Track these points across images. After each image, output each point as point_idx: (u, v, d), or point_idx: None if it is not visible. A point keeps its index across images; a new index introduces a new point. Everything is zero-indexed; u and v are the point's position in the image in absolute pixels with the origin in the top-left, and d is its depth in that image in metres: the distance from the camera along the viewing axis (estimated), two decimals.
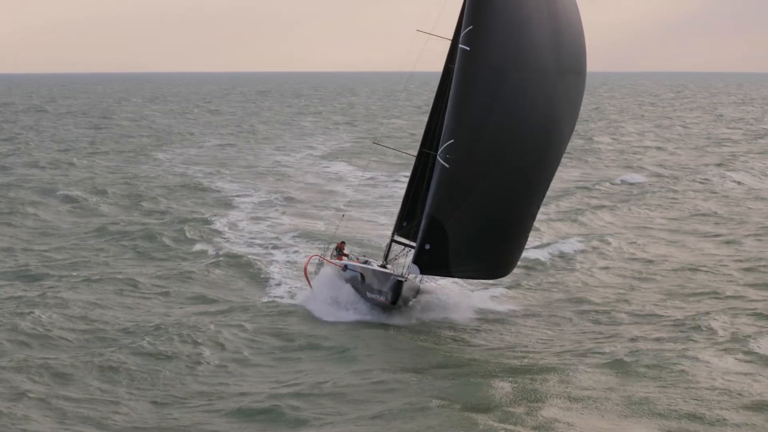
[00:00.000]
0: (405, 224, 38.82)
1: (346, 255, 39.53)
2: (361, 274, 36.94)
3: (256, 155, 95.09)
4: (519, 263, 45.11)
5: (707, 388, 28.58)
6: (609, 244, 49.62)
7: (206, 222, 54.50)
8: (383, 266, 37.62)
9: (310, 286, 38.88)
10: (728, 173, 77.22)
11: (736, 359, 31.35)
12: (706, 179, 73.74)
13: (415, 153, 38.96)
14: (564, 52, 35.06)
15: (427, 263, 35.72)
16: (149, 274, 41.86)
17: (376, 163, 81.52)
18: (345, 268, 37.87)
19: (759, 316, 36.25)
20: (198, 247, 48.44)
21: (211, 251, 47.17)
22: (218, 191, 68.27)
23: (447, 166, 34.93)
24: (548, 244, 49.44)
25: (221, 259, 45.15)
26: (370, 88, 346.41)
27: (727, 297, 39.59)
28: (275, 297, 39.31)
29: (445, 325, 36.13)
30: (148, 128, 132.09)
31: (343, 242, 40.51)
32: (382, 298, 36.22)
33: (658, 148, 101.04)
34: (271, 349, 32.97)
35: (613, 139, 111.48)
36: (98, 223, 55.20)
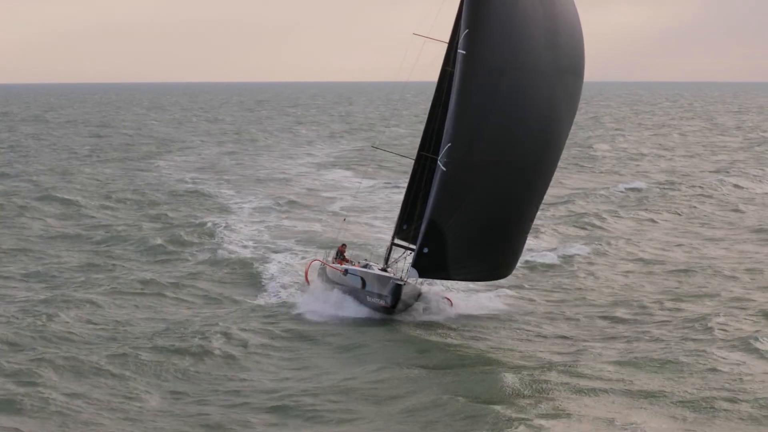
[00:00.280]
0: (405, 227, 38.88)
1: (349, 260, 39.59)
2: (362, 278, 37.02)
3: (257, 162, 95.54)
4: (522, 265, 45.96)
5: (714, 386, 29.14)
6: (612, 246, 50.13)
7: (208, 227, 55.01)
8: (384, 269, 37.76)
9: (311, 289, 38.99)
10: (728, 179, 77.89)
11: (743, 356, 31.87)
12: (706, 185, 74.20)
13: (414, 157, 38.95)
14: (561, 53, 35.22)
15: (426, 266, 35.82)
16: (154, 278, 42.16)
17: (376, 169, 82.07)
18: (345, 272, 37.90)
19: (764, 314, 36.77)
20: (199, 251, 48.84)
21: (212, 255, 47.53)
22: (219, 197, 68.75)
23: (445, 169, 35.11)
24: (552, 248, 49.95)
25: (223, 263, 45.58)
26: (366, 97, 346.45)
27: (732, 297, 40.15)
28: (277, 299, 39.50)
29: (450, 324, 36.39)
30: (149, 136, 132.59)
31: (344, 245, 40.58)
32: (381, 302, 36.31)
33: (657, 156, 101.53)
34: (277, 349, 33.15)
35: (612, 146, 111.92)
36: (102, 228, 55.70)
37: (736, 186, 74.84)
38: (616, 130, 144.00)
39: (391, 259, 38.83)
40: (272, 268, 44.82)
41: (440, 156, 35.39)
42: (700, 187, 73.14)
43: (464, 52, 34.84)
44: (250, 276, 43.60)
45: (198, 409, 27.45)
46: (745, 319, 36.34)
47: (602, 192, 70.22)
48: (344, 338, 34.72)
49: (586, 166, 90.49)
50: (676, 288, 42.09)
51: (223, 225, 56.06)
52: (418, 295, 37.42)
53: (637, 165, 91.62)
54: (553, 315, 37.98)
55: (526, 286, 42.49)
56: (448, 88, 36.52)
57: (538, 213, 56.92)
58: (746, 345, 32.72)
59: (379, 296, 36.38)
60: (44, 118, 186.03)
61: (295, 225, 57.78)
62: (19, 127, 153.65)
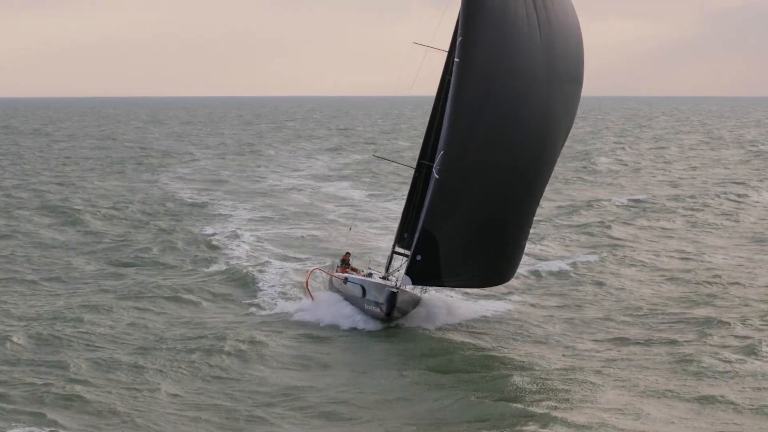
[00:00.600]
0: (406, 236, 39.01)
1: (354, 269, 39.81)
2: (362, 287, 37.15)
3: (259, 174, 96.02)
4: (527, 273, 46.52)
5: (720, 388, 29.78)
6: (616, 255, 50.64)
7: (210, 237, 55.61)
8: (385, 278, 37.81)
9: (311, 298, 39.22)
10: (730, 189, 78.54)
11: (749, 359, 32.56)
12: (708, 195, 74.75)
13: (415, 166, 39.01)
14: (558, 59, 35.18)
15: (419, 274, 35.84)
16: (157, 287, 42.58)
17: (378, 179, 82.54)
18: (346, 280, 38.13)
19: None
20: (202, 260, 49.31)
21: (215, 265, 47.99)
22: (221, 208, 69.33)
23: (438, 177, 35.15)
24: (556, 257, 50.54)
25: (225, 272, 45.95)
26: (364, 111, 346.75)
27: (738, 303, 40.82)
28: (279, 308, 39.67)
29: (455, 329, 36.79)
30: (152, 149, 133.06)
31: (348, 253, 40.78)
32: (377, 310, 36.44)
33: (658, 168, 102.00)
34: (281, 357, 33.32)
35: (613, 159, 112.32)
36: (108, 238, 56.20)
37: (739, 195, 75.46)
38: (616, 143, 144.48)
39: (392, 268, 38.87)
40: (274, 277, 45.17)
41: (435, 164, 35.51)
42: (702, 197, 73.66)
43: (458, 60, 35.01)
44: (252, 285, 43.91)
45: (214, 407, 28.06)
46: (750, 323, 37.03)
47: (605, 203, 70.59)
48: (349, 343, 35.17)
49: (588, 178, 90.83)
50: (681, 293, 42.73)
51: (226, 235, 56.65)
52: (417, 302, 37.49)
53: (639, 177, 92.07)
54: (557, 320, 38.49)
55: (531, 293, 43.03)
56: (446, 96, 36.39)
57: (544, 223, 57.64)
58: (753, 349, 33.43)
59: (376, 304, 36.51)
60: (45, 132, 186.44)
61: (297, 234, 58.29)
62: (21, 141, 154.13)
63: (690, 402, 28.37)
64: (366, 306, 37.05)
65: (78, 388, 28.85)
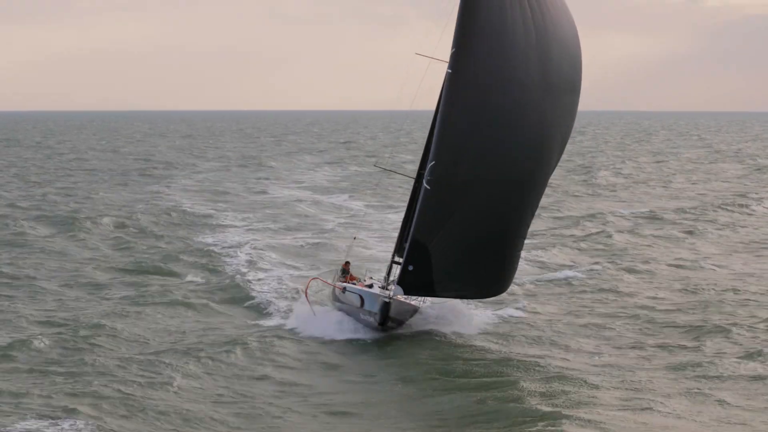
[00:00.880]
0: (405, 245, 37.95)
1: (354, 278, 39.80)
2: (360, 296, 37.00)
3: (262, 186, 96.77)
4: (532, 282, 47.13)
5: (728, 391, 30.42)
6: (620, 265, 51.15)
7: (213, 247, 56.31)
8: (384, 287, 37.53)
9: (310, 307, 39.05)
10: (734, 200, 79.36)
11: (756, 365, 33.18)
12: (712, 207, 75.42)
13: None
14: (553, 70, 34.80)
15: (411, 284, 35.70)
16: (162, 295, 43.21)
17: (380, 190, 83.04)
18: (344, 290, 38.10)
19: None
20: (203, 270, 49.78)
21: (216, 274, 48.40)
22: (225, 219, 69.97)
23: (429, 187, 34.93)
24: (560, 267, 51.17)
25: (226, 281, 46.33)
26: (364, 125, 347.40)
27: (744, 311, 41.42)
28: (278, 320, 39.72)
29: (459, 335, 37.05)
30: (156, 161, 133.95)
31: (347, 262, 40.59)
32: (371, 319, 36.36)
33: (660, 180, 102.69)
34: (284, 361, 33.55)
35: (614, 172, 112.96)
36: (114, 248, 56.84)
37: (740, 206, 76.26)
38: (616, 156, 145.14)
39: (392, 277, 38.56)
40: (275, 286, 45.60)
41: (425, 174, 35.36)
42: (703, 209, 74.29)
43: (450, 71, 34.73)
44: (252, 293, 44.25)
45: (226, 404, 28.70)
46: (756, 329, 37.81)
47: (607, 215, 71.09)
48: (353, 348, 35.52)
49: (589, 191, 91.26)
50: (683, 301, 43.29)
51: (228, 244, 57.41)
52: (414, 311, 37.33)
53: (640, 190, 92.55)
54: (562, 326, 38.99)
55: (534, 300, 43.50)
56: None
57: (547, 234, 58.09)
58: (755, 355, 34.04)
59: (370, 314, 36.43)
60: (47, 144, 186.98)
61: (299, 244, 58.89)
62: (24, 153, 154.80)
63: (694, 404, 28.87)
64: (362, 315, 37.01)
65: (96, 383, 29.87)
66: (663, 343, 36.25)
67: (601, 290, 45.58)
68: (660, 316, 40.52)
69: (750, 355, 33.92)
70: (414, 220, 35.64)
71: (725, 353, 34.49)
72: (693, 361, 33.60)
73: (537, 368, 32.59)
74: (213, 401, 29.30)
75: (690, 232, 63.38)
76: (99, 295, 44.17)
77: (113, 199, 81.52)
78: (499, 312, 41.00)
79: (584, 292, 45.49)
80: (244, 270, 49.47)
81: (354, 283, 39.17)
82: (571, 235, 61.70)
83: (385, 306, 35.65)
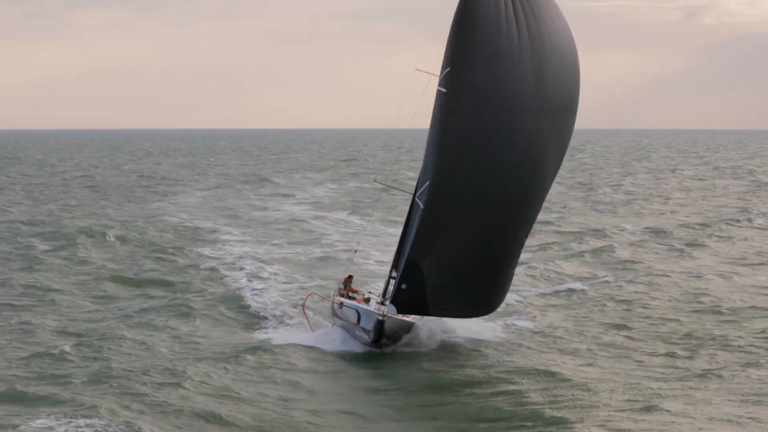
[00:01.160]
0: (401, 262, 37.47)
1: (355, 291, 39.95)
2: (357, 312, 36.97)
3: (264, 202, 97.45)
4: (537, 294, 47.57)
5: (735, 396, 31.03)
6: (625, 278, 51.81)
7: (216, 261, 56.97)
8: (382, 303, 37.24)
9: (308, 322, 39.50)
10: (738, 216, 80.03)
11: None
12: (715, 222, 75.97)
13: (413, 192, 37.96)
14: (549, 89, 34.21)
15: (405, 303, 35.57)
16: (168, 308, 43.87)
17: (381, 204, 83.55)
18: (341, 305, 38.19)
19: None
20: (206, 284, 50.29)
21: (219, 288, 48.89)
22: (228, 234, 70.61)
23: (423, 207, 34.78)
24: (564, 281, 51.71)
25: (228, 295, 46.75)
26: (362, 142, 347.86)
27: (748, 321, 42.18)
28: (277, 332, 39.99)
29: (458, 350, 37.50)
30: (159, 178, 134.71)
31: (350, 276, 40.74)
32: (366, 336, 36.40)
33: (660, 197, 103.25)
34: (284, 383, 33.38)
35: (615, 189, 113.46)
36: (122, 264, 57.28)
37: (748, 221, 77.10)
38: (616, 173, 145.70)
39: (389, 292, 37.98)
40: (277, 299, 46.07)
41: (418, 193, 35.25)
42: (707, 224, 74.83)
43: (444, 90, 34.24)
44: (253, 307, 44.70)
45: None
46: (758, 340, 38.37)
47: (611, 229, 71.58)
48: (351, 360, 35.93)
49: (592, 207, 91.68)
50: (690, 311, 43.99)
51: (231, 259, 58.25)
52: (410, 328, 37.06)
53: (642, 206, 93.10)
54: (564, 337, 39.52)
55: (538, 312, 44.01)
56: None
57: (553, 248, 58.56)
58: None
59: (365, 331, 36.44)
60: (50, 162, 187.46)
61: (301, 258, 59.51)
62: (27, 171, 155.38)
63: (701, 412, 29.27)
64: (357, 332, 37.10)
65: (116, 383, 31.33)
66: (669, 352, 36.86)
67: (605, 301, 46.14)
68: (664, 326, 41.16)
69: (753, 365, 34.44)
70: (410, 239, 35.51)
71: (730, 363, 35.04)
72: (699, 370, 34.19)
73: (540, 377, 33.13)
74: (219, 403, 30.12)
75: (692, 246, 63.84)
76: (110, 306, 45.07)
77: (119, 215, 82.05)
78: (505, 322, 41.59)
79: (587, 303, 46.10)
80: (247, 283, 50.15)
81: (353, 296, 39.28)
82: (575, 249, 62.21)
83: (380, 324, 35.58)
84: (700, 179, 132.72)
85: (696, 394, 30.92)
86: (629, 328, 40.88)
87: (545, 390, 31.51)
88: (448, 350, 37.27)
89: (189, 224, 76.20)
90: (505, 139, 34.12)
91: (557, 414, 28.90)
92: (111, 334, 38.24)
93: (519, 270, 52.65)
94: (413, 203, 36.70)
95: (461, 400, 31.09)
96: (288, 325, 40.93)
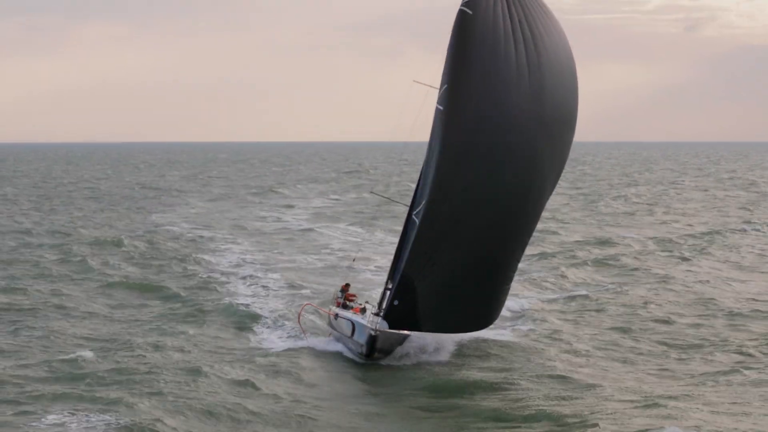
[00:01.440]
0: (396, 276, 37.16)
1: (352, 297, 39.98)
2: (352, 324, 37.03)
3: (267, 213, 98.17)
4: (542, 301, 47.99)
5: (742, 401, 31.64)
6: (631, 286, 52.38)
7: (219, 271, 57.48)
8: (377, 314, 36.89)
9: (303, 332, 39.68)
10: (743, 226, 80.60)
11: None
12: (720, 231, 76.44)
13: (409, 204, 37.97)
14: (548, 106, 33.94)
15: (397, 319, 35.34)
16: (166, 321, 44.04)
17: (380, 214, 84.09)
18: (336, 316, 38.33)
19: None
20: (208, 293, 50.73)
21: (220, 298, 49.15)
22: (230, 244, 71.15)
23: (419, 224, 34.53)
24: (564, 289, 52.16)
25: (230, 308, 46.72)
26: (363, 155, 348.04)
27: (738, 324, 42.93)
28: (273, 344, 39.84)
29: (462, 355, 37.74)
30: (166, 189, 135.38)
31: (347, 284, 40.79)
32: (360, 350, 36.38)
33: (664, 206, 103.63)
34: (279, 394, 33.20)
35: (617, 200, 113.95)
36: (128, 272, 57.85)
37: (752, 230, 77.70)
38: (619, 184, 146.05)
39: (385, 304, 37.48)
40: (278, 308, 46.38)
41: (415, 210, 35.13)
42: (712, 233, 75.32)
43: (442, 108, 33.99)
44: (257, 314, 44.98)
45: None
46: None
47: (615, 238, 71.96)
48: (348, 383, 35.52)
49: (595, 219, 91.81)
50: (689, 315, 44.72)
51: (233, 268, 59.04)
52: (403, 340, 36.83)
53: (646, 216, 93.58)
54: (572, 341, 39.99)
55: (545, 319, 44.36)
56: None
57: (559, 257, 58.84)
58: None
59: (358, 344, 36.47)
60: (53, 175, 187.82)
61: (303, 268, 60.03)
62: (33, 182, 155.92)
63: (711, 415, 29.68)
64: (350, 345, 37.20)
65: (134, 385, 32.11)
66: (674, 357, 37.49)
67: (609, 307, 46.71)
68: (669, 331, 41.82)
69: (758, 369, 35.08)
70: (404, 255, 35.42)
71: (736, 366, 35.68)
72: (705, 373, 34.79)
73: (545, 379, 33.77)
74: (224, 402, 30.76)
75: (696, 254, 64.37)
76: (121, 312, 45.90)
77: (127, 225, 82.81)
78: (511, 327, 42.21)
79: (592, 308, 46.68)
80: (249, 291, 50.90)
81: (351, 303, 39.42)
82: (579, 257, 62.64)
83: (372, 339, 35.56)
84: (703, 190, 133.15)
85: (701, 398, 31.42)
86: (633, 332, 41.47)
87: (548, 392, 32.09)
88: (454, 354, 37.73)
89: (195, 233, 76.89)
90: (502, 157, 33.84)
91: (559, 415, 29.44)
92: (122, 339, 39.07)
93: (524, 276, 53.54)
94: (409, 219, 36.54)
95: (465, 401, 31.68)
96: (286, 336, 41.03)
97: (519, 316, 44.72)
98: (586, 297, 49.49)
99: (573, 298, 49.35)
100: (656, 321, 43.67)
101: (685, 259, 62.48)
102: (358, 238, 74.69)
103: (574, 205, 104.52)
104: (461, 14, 33.94)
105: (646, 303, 47.48)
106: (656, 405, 29.89)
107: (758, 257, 64.05)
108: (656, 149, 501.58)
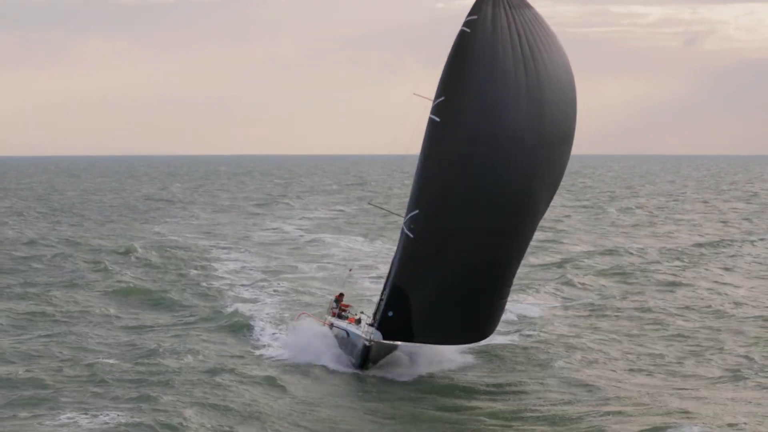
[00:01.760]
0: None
1: (347, 306, 39.98)
2: (347, 334, 37.08)
3: (269, 224, 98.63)
4: (544, 308, 48.34)
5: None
6: (638, 293, 52.87)
7: (219, 285, 57.26)
8: (372, 324, 36.51)
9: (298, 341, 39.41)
10: (746, 237, 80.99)
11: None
12: (724, 243, 76.65)
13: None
14: (546, 120, 33.53)
15: (391, 330, 35.19)
16: (167, 330, 44.42)
17: (378, 224, 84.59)
18: (331, 326, 38.37)
19: None
20: (209, 302, 51.06)
21: (222, 307, 49.22)
22: (233, 254, 71.59)
23: (411, 236, 34.26)
24: (570, 297, 52.60)
25: (230, 314, 46.99)
26: (363, 168, 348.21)
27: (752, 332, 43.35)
28: (271, 353, 39.88)
29: (462, 361, 37.92)
30: (170, 201, 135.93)
31: (341, 294, 40.74)
32: (353, 360, 36.45)
33: (668, 218, 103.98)
34: (286, 396, 33.42)
35: (620, 211, 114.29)
36: (134, 282, 57.90)
37: (757, 239, 78.20)
38: (623, 196, 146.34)
39: (380, 314, 36.95)
40: (277, 315, 46.58)
41: (405, 221, 34.72)
42: (717, 243, 75.68)
43: (437, 119, 33.68)
44: (256, 323, 45.01)
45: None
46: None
47: (621, 248, 72.10)
48: (350, 378, 35.96)
49: (599, 229, 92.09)
50: (705, 321, 45.41)
51: (240, 277, 59.67)
52: (393, 349, 36.74)
53: (650, 227, 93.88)
54: (577, 346, 40.29)
55: (550, 325, 44.68)
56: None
57: (562, 266, 59.09)
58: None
59: (351, 354, 36.58)
60: (56, 187, 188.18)
61: (303, 278, 60.26)
62: (38, 195, 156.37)
63: (721, 416, 30.07)
64: (345, 354, 37.21)
65: (144, 389, 32.63)
66: (683, 363, 37.87)
67: (615, 313, 47.12)
68: (676, 336, 42.27)
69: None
70: (395, 266, 35.28)
71: (746, 370, 36.19)
72: (711, 377, 35.33)
73: (552, 385, 34.16)
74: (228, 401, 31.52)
75: (701, 263, 64.78)
76: (134, 319, 46.46)
77: (136, 235, 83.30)
78: (518, 333, 42.58)
79: (596, 314, 47.15)
80: (251, 299, 51.32)
81: (345, 312, 39.36)
82: (585, 265, 63.04)
83: (365, 350, 35.52)
84: (704, 202, 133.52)
85: (707, 402, 31.78)
86: (638, 338, 41.91)
87: (553, 396, 32.60)
88: (459, 358, 38.02)
89: (201, 243, 77.42)
90: (497, 171, 33.47)
91: (563, 419, 29.85)
92: (137, 343, 39.70)
93: (529, 283, 54.02)
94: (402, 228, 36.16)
95: (471, 405, 32.11)
96: (284, 345, 40.90)
97: (524, 321, 45.20)
98: (591, 304, 49.99)
99: (578, 304, 49.86)
100: (661, 327, 44.15)
101: (688, 267, 62.83)
102: (360, 247, 75.16)
103: (578, 216, 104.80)
104: (461, 33, 33.89)
105: (650, 309, 47.92)
106: (661, 409, 30.32)
107: (761, 266, 64.45)
108: (657, 162, 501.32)
